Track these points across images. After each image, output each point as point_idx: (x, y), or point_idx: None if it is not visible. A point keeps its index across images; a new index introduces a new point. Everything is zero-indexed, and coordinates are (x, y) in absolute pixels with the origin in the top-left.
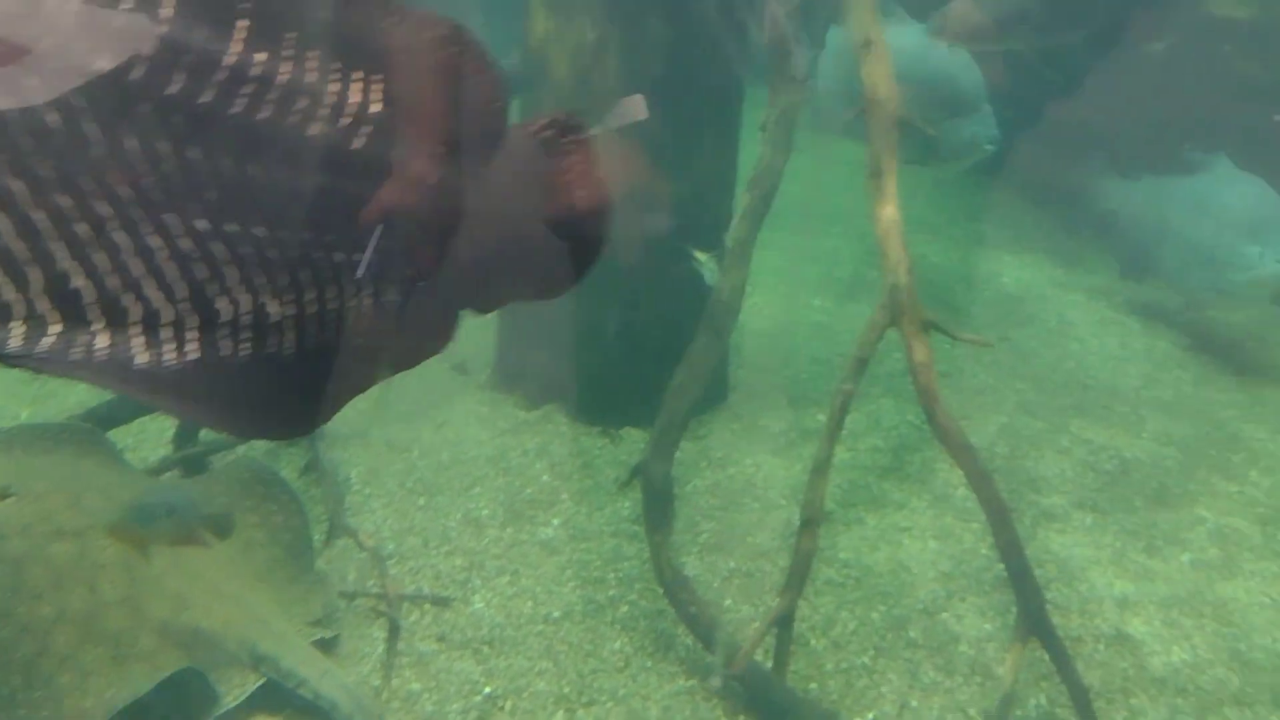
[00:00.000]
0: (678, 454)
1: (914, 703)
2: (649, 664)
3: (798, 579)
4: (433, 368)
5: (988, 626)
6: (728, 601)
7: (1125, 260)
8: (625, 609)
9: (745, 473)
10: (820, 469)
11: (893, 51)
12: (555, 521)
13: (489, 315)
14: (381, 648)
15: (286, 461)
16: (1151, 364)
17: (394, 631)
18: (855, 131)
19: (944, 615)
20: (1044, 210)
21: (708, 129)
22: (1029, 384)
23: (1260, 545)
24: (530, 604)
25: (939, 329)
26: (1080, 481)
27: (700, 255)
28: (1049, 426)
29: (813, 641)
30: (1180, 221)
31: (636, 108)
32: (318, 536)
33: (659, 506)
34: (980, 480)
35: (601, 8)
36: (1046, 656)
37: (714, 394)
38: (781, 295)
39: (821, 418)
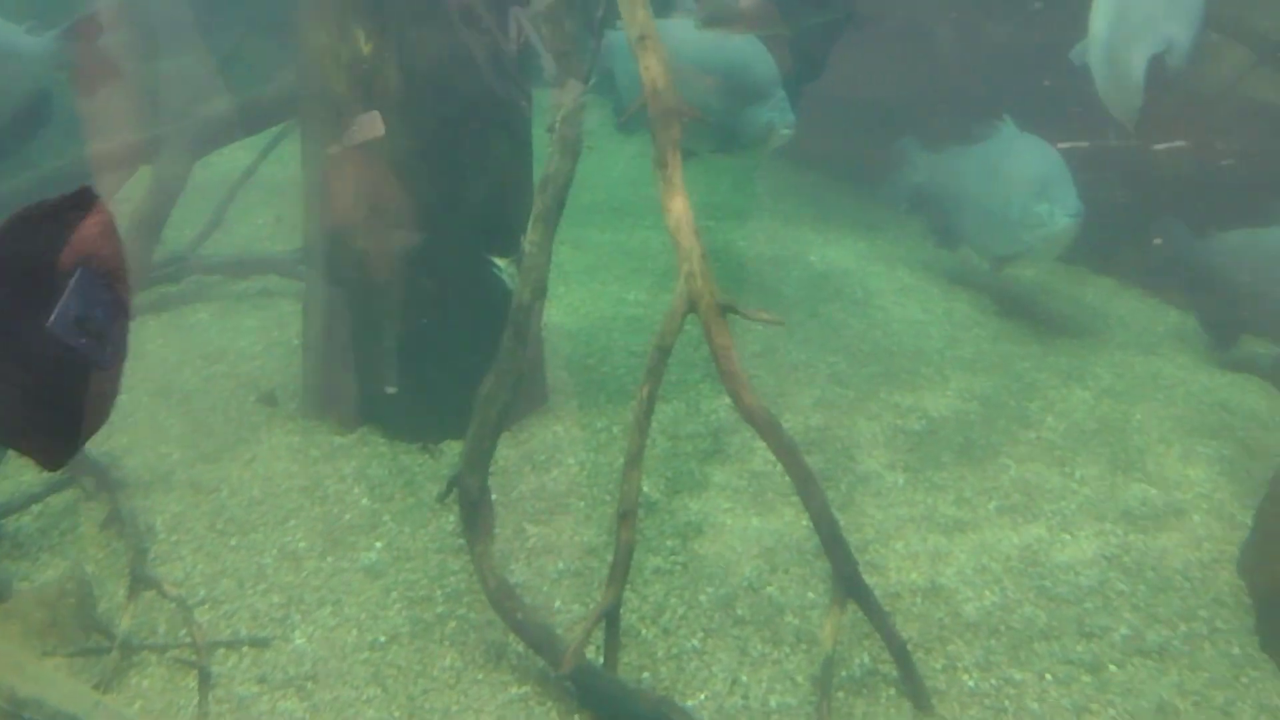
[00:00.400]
0: (501, 462)
1: (744, 677)
2: (480, 676)
3: (620, 572)
4: (239, 402)
5: (811, 595)
6: (558, 603)
7: (938, 230)
8: (454, 624)
9: (569, 473)
10: (633, 461)
11: (687, 43)
12: (378, 545)
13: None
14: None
15: (85, 516)
16: (952, 325)
17: (204, 680)
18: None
19: (769, 589)
20: (845, 187)
21: (498, 135)
22: (840, 356)
23: (1059, 486)
24: (355, 632)
25: (734, 311)
26: (891, 444)
27: (500, 261)
28: (860, 394)
29: (644, 631)
30: (977, 188)
31: (373, 125)
32: (120, 592)
33: (478, 517)
34: (787, 454)
35: (376, 20)
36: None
37: (533, 397)
38: (595, 292)
39: None
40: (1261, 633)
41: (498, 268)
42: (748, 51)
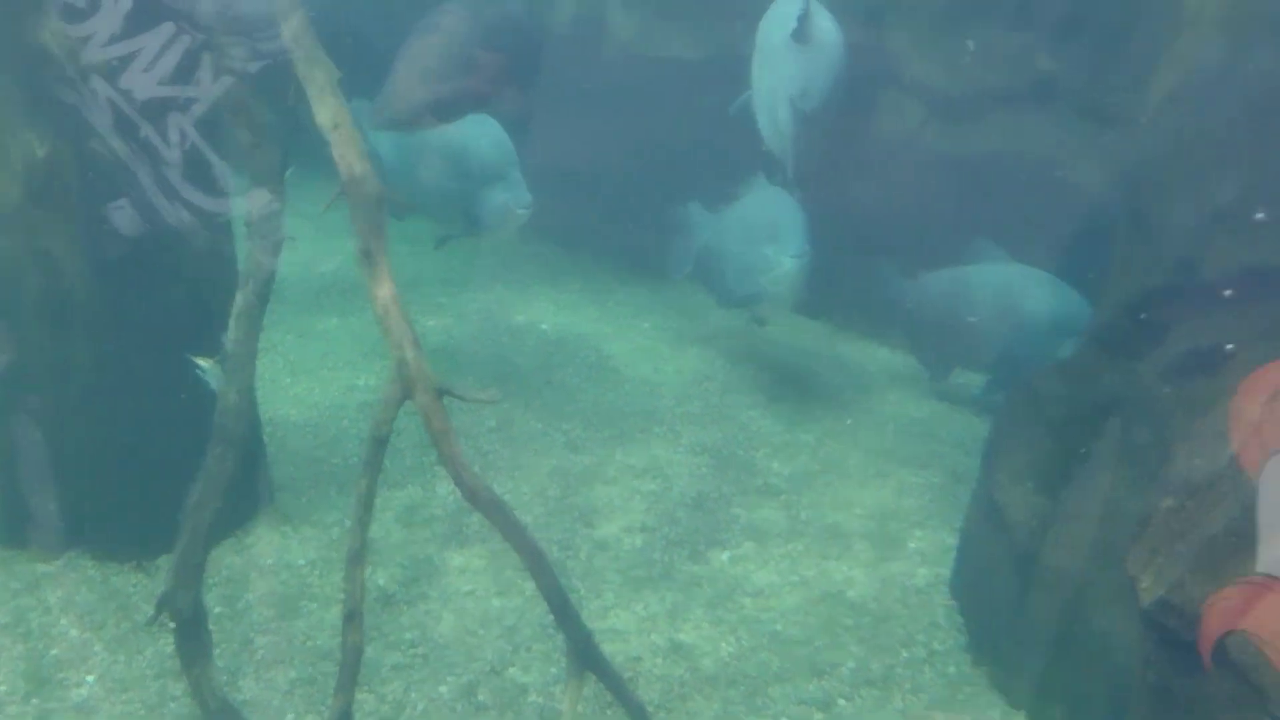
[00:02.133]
0: (225, 571)
1: None
2: None
3: (349, 676)
4: None
5: (554, 670)
6: (290, 716)
7: (714, 289)
8: None
9: (300, 575)
10: (355, 559)
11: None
12: (89, 679)
13: None
14: None
15: None
16: (683, 382)
17: None
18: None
19: (511, 670)
20: (577, 255)
21: (195, 232)
22: (575, 422)
23: (787, 530)
24: None
25: (450, 394)
26: (628, 506)
27: (203, 362)
28: (595, 460)
29: None
30: (726, 241)
31: None
32: None
33: (192, 636)
34: (512, 531)
35: (48, 122)
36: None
37: (255, 499)
38: (324, 381)
39: (377, 499)
40: (973, 650)
41: (201, 369)
42: (480, 133)
